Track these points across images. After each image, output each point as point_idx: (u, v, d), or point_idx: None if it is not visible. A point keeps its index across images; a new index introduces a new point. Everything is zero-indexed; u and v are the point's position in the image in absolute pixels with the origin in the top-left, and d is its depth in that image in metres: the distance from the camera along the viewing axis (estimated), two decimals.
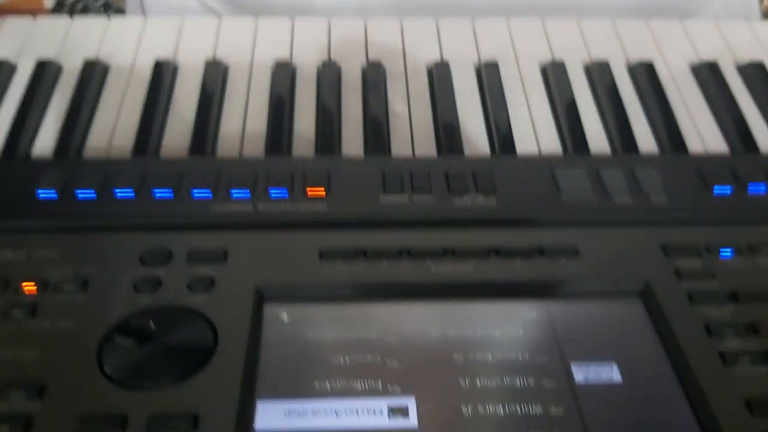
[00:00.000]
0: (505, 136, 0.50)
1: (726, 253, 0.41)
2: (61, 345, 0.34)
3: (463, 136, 0.51)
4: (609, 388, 0.34)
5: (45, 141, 0.49)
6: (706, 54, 0.58)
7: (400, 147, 0.50)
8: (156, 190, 0.43)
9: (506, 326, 0.37)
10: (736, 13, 0.73)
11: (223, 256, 0.39)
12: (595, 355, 0.35)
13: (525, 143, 0.50)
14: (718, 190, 0.45)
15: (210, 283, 0.37)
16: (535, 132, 0.51)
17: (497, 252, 0.40)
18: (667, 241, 0.41)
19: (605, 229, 0.42)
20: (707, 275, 0.39)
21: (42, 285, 0.37)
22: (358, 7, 0.68)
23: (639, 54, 0.57)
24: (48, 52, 0.55)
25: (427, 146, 0.50)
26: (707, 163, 0.47)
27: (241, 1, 0.70)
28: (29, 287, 0.37)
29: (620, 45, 0.58)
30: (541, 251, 0.40)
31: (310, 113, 0.52)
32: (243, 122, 0.51)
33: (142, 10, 0.68)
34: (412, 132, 0.51)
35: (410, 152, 0.50)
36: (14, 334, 0.35)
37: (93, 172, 0.44)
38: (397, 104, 0.53)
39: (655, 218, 0.43)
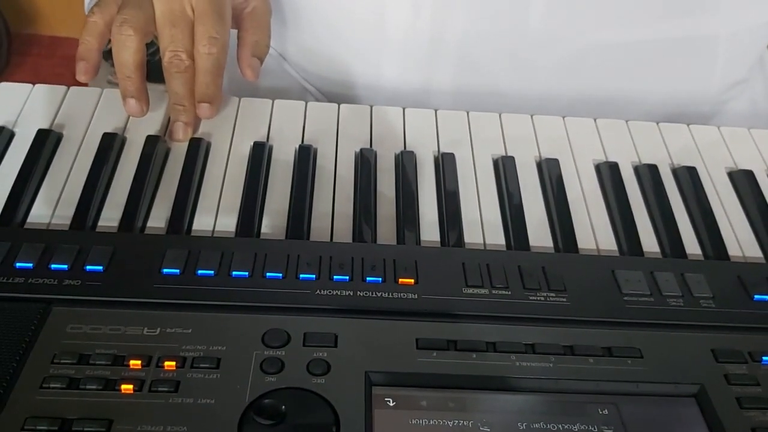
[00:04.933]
0: (567, 232, 0.56)
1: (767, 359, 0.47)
2: (205, 421, 0.40)
3: (528, 228, 0.57)
4: None
5: (157, 214, 0.54)
6: (741, 160, 0.64)
7: (471, 235, 0.56)
8: (268, 272, 0.49)
9: (584, 420, 0.42)
10: (761, 111, 0.80)
11: (333, 341, 0.45)
12: None
13: (584, 238, 0.56)
14: (758, 297, 0.51)
15: (327, 368, 0.43)
16: (593, 228, 0.57)
17: (572, 350, 0.46)
18: (716, 346, 0.47)
19: (663, 331, 0.48)
20: (752, 381, 0.45)
21: (180, 362, 0.43)
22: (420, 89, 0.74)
23: (680, 156, 0.64)
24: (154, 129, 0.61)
25: (496, 236, 0.56)
26: (747, 270, 0.54)
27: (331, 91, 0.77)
28: (170, 364, 0.42)
29: (664, 147, 0.65)
30: (610, 352, 0.46)
31: (391, 199, 0.58)
32: (332, 206, 0.57)
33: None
34: (482, 221, 0.57)
35: (481, 240, 0.56)
36: (163, 409, 0.40)
37: (209, 250, 0.50)
38: (466, 193, 0.59)
39: (705, 322, 0.49)
